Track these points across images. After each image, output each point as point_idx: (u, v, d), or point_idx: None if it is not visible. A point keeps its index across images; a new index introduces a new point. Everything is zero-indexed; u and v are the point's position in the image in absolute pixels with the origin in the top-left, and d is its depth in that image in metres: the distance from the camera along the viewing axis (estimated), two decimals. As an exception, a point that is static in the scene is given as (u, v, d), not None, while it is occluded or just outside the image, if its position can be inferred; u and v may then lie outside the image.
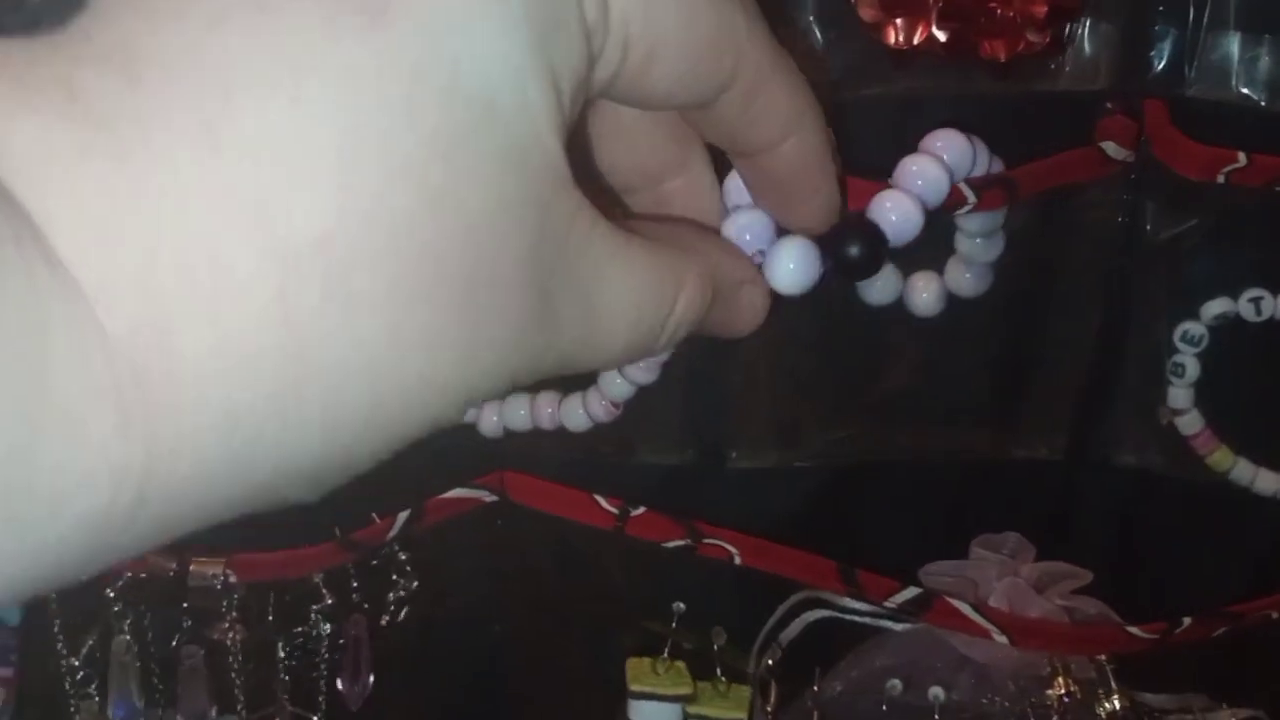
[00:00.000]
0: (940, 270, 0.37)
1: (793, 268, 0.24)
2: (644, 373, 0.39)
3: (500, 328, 0.17)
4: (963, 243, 0.37)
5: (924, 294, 0.37)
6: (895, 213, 0.26)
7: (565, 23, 0.17)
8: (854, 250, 0.26)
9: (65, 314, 0.14)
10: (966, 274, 0.37)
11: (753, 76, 0.20)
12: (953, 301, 0.38)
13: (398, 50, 0.15)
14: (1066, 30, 0.35)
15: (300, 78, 0.15)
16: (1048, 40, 0.34)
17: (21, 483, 0.13)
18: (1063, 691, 0.39)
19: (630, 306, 0.20)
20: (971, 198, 0.33)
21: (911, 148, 0.34)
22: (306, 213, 0.15)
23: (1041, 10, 0.33)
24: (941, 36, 0.33)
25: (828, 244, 0.25)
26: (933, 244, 0.37)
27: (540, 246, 0.17)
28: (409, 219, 0.16)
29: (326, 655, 0.42)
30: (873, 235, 0.26)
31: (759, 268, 0.24)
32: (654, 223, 0.23)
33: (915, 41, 0.33)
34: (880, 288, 0.37)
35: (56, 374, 0.14)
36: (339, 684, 0.42)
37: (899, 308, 0.38)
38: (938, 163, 0.27)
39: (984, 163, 0.33)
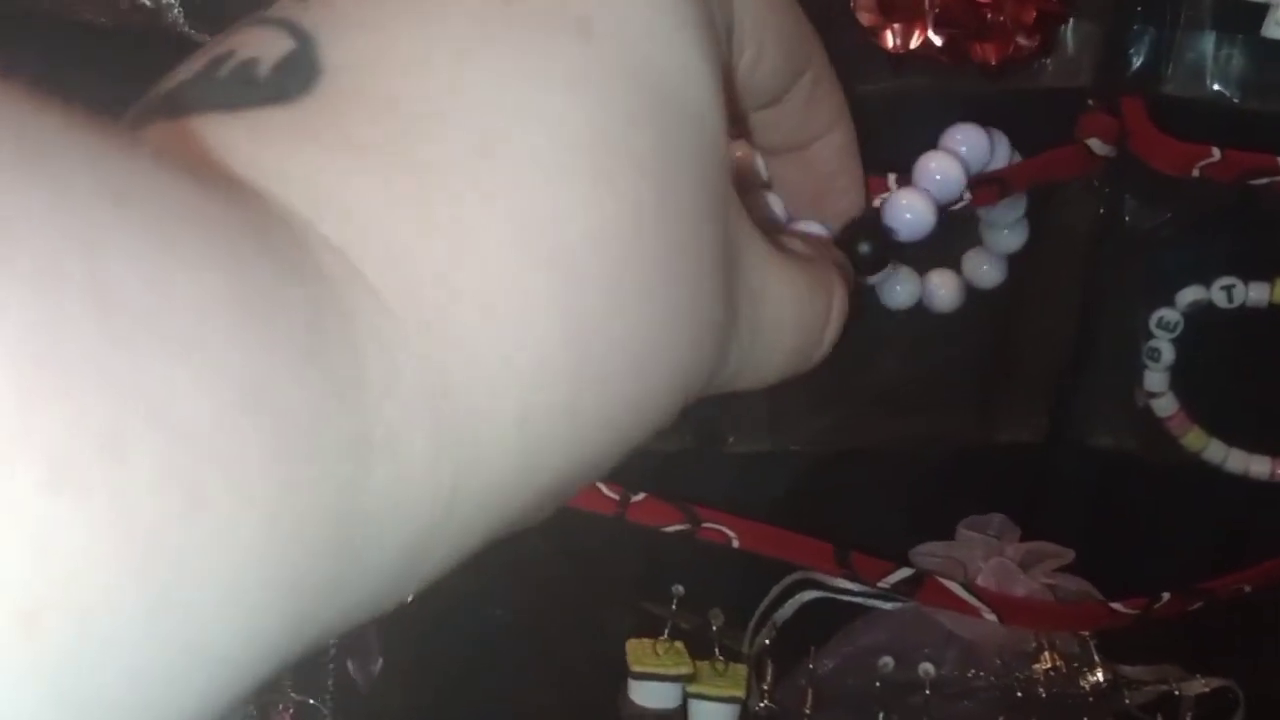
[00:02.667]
0: (956, 266, 0.39)
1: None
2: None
3: (707, 329, 0.17)
4: (987, 234, 0.38)
5: (941, 290, 0.38)
6: (909, 211, 0.28)
7: (713, 24, 0.18)
8: (864, 248, 0.27)
9: (378, 332, 0.14)
10: (984, 266, 0.38)
11: (819, 64, 0.21)
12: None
13: (612, 56, 0.16)
14: (1053, 34, 0.36)
15: (542, 94, 0.16)
16: (1036, 44, 0.35)
17: (355, 511, 0.13)
18: (1049, 666, 0.41)
19: (792, 317, 0.20)
20: (965, 195, 0.35)
21: (906, 144, 0.36)
22: (576, 216, 0.16)
23: (1030, 16, 0.35)
24: (937, 41, 0.34)
25: (840, 239, 0.26)
26: (946, 239, 0.39)
27: (725, 246, 0.18)
28: (653, 214, 0.16)
29: (334, 641, 0.43)
30: (882, 233, 0.28)
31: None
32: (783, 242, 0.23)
33: (912, 45, 0.34)
34: (900, 291, 0.38)
35: (375, 392, 0.13)
36: (349, 667, 0.43)
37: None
38: (956, 161, 0.28)
39: (1004, 155, 0.34)
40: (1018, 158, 0.35)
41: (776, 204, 0.25)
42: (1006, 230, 0.38)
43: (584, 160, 0.16)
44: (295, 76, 0.16)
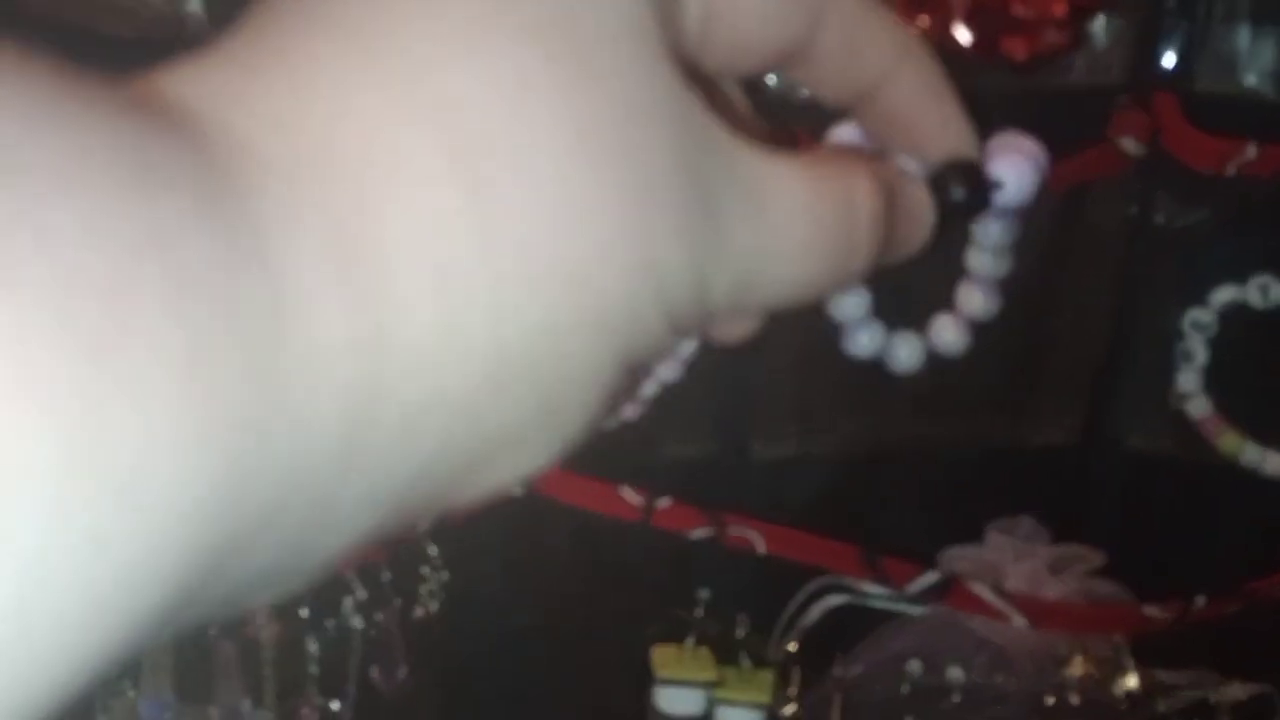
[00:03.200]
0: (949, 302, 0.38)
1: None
2: (669, 369, 0.40)
3: (671, 240, 0.17)
4: (976, 258, 0.38)
5: (946, 335, 0.38)
6: (1014, 170, 0.27)
7: None
8: (958, 193, 0.26)
9: (278, 197, 0.14)
10: (978, 295, 0.38)
11: (847, 6, 0.20)
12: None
13: None
14: (1083, 29, 0.36)
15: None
16: (1066, 39, 0.35)
17: (276, 371, 0.14)
18: (1081, 672, 0.41)
19: (804, 213, 0.19)
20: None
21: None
22: (477, 100, 0.15)
23: (1061, 9, 0.34)
24: (965, 36, 0.33)
25: (932, 180, 0.26)
26: (933, 288, 0.39)
27: (685, 151, 0.17)
28: (565, 93, 0.16)
29: (358, 647, 0.43)
30: (978, 178, 0.27)
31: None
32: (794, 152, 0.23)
33: (940, 41, 0.33)
34: (904, 354, 0.38)
35: (279, 251, 0.14)
36: (372, 674, 0.43)
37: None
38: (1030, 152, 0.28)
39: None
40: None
41: (851, 134, 0.24)
42: (996, 256, 0.37)
43: (478, 45, 0.16)
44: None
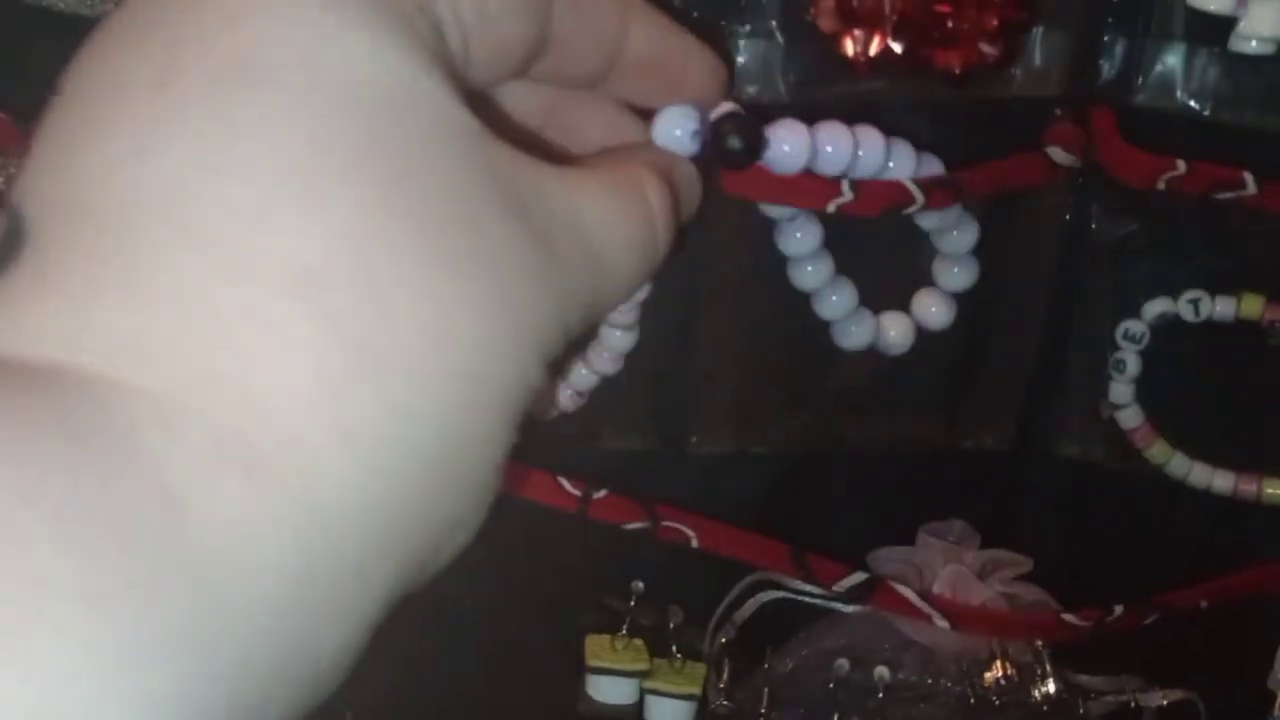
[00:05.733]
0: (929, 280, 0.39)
1: (680, 129, 0.25)
2: (609, 363, 0.40)
3: (512, 271, 0.18)
4: (938, 239, 0.39)
5: (891, 332, 0.39)
6: (786, 141, 0.29)
7: (405, 3, 0.18)
8: (734, 142, 0.28)
9: (142, 410, 0.15)
10: (954, 268, 0.39)
11: None
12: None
13: (294, 88, 0.16)
14: (1018, 42, 0.36)
15: (232, 146, 0.16)
16: (1000, 51, 0.35)
17: (187, 551, 0.14)
18: (1000, 674, 0.41)
19: (615, 219, 0.20)
20: (919, 196, 0.35)
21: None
22: (304, 243, 0.16)
23: (993, 22, 0.35)
24: (897, 48, 0.34)
25: (712, 133, 0.27)
26: (902, 281, 0.39)
27: (504, 200, 0.18)
28: (386, 207, 0.16)
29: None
30: (750, 125, 0.28)
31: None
32: (580, 162, 0.24)
33: (872, 52, 0.34)
34: (855, 332, 0.39)
35: (157, 451, 0.14)
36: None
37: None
38: (846, 134, 0.30)
39: (906, 165, 0.34)
40: (934, 164, 0.35)
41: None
42: (955, 231, 0.38)
43: (295, 189, 0.16)
44: (10, 239, 0.16)
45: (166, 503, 0.14)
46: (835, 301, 0.39)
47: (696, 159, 0.26)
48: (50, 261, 0.16)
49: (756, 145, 0.29)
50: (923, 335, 0.41)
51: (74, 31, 0.37)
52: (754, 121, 0.29)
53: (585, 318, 0.20)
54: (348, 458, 0.16)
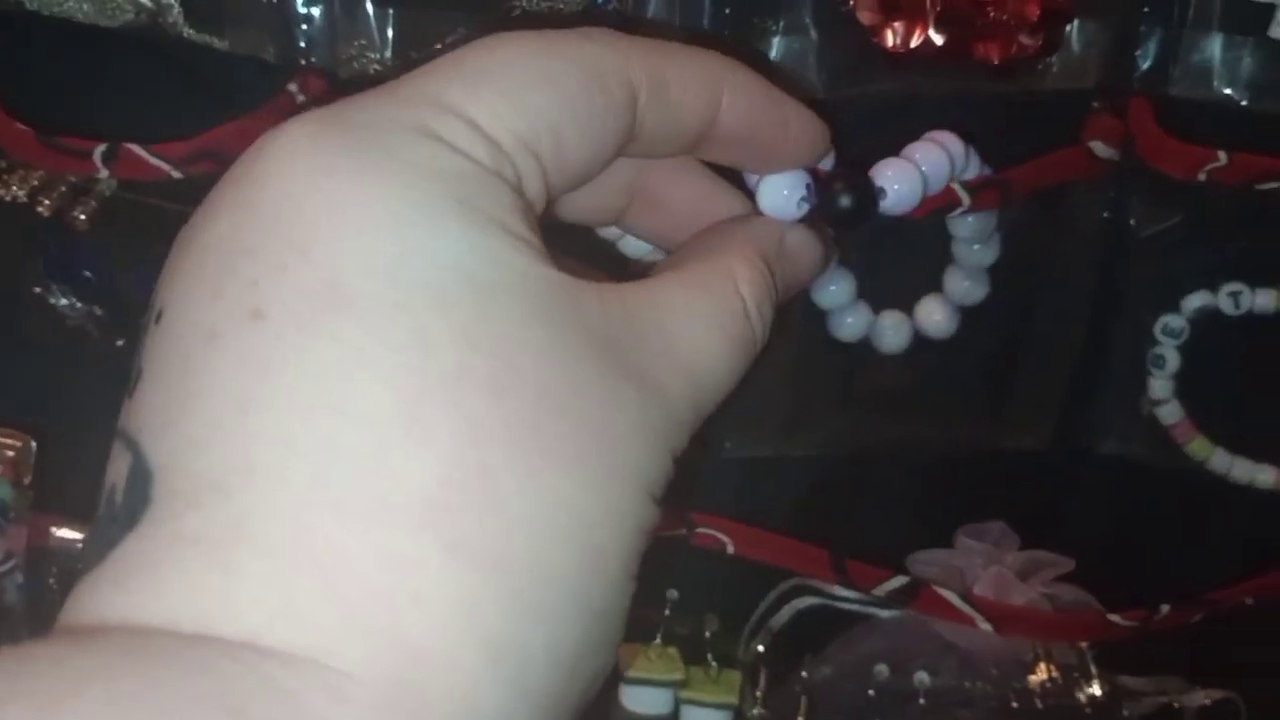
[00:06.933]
0: (939, 287, 0.38)
1: (785, 194, 0.25)
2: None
3: (618, 425, 0.18)
4: (960, 249, 0.38)
5: (935, 316, 0.38)
6: (897, 180, 0.27)
7: (469, 178, 0.18)
8: (845, 201, 0.27)
9: (311, 681, 0.15)
10: (965, 281, 0.38)
11: (648, 75, 0.21)
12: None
13: (378, 308, 0.17)
14: (1057, 33, 0.36)
15: (343, 397, 0.16)
16: (1040, 43, 0.35)
17: None
18: (1044, 677, 0.41)
19: (708, 328, 0.20)
20: (966, 199, 0.34)
21: (905, 145, 0.35)
22: (420, 472, 0.16)
23: (1034, 13, 0.34)
24: (938, 40, 0.33)
25: (821, 192, 0.26)
26: (925, 267, 0.39)
27: (593, 340, 0.18)
28: (490, 396, 0.16)
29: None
30: (863, 184, 0.27)
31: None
32: (677, 255, 0.24)
33: (913, 44, 0.33)
34: (891, 334, 0.39)
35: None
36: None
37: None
38: (941, 149, 0.28)
39: (975, 167, 0.34)
40: (984, 168, 0.34)
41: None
42: (978, 246, 0.38)
43: (402, 419, 0.16)
44: (137, 492, 0.17)
45: None
46: (834, 291, 0.39)
47: (809, 220, 0.25)
48: (177, 527, 0.16)
49: (869, 200, 0.28)
50: (959, 336, 0.41)
51: (92, 42, 0.37)
52: (863, 178, 0.28)
53: (690, 433, 0.19)
54: (500, 672, 0.16)
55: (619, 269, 0.27)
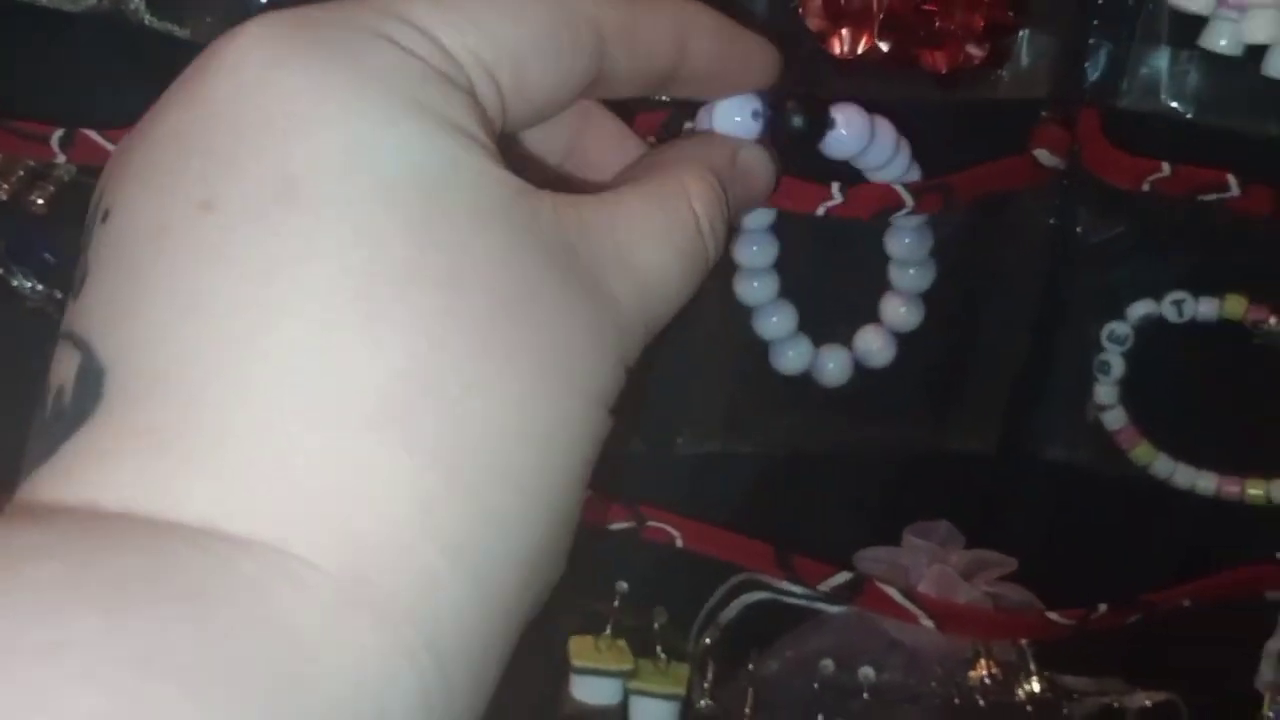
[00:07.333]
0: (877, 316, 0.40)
1: (738, 113, 0.26)
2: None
3: (572, 329, 0.18)
4: (895, 273, 0.39)
5: (874, 345, 0.40)
6: (848, 117, 0.29)
7: (426, 80, 0.18)
8: (797, 120, 0.28)
9: (273, 569, 0.15)
10: (902, 308, 0.39)
11: (618, 20, 0.21)
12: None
13: (332, 202, 0.17)
14: (1005, 43, 0.36)
15: (282, 269, 0.16)
16: (987, 53, 0.35)
17: (311, 674, 0.15)
18: (985, 674, 0.41)
19: (661, 240, 0.20)
20: (909, 199, 0.35)
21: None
22: (370, 368, 0.16)
23: (979, 24, 0.35)
24: (884, 47, 0.34)
25: (774, 113, 0.27)
26: (863, 295, 0.40)
27: (547, 246, 0.18)
28: (439, 293, 0.16)
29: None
30: (814, 104, 0.28)
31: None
32: (630, 170, 0.24)
33: (859, 51, 0.34)
34: (832, 368, 0.40)
35: (295, 615, 0.15)
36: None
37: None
38: (888, 122, 0.30)
39: (913, 170, 0.34)
40: (915, 171, 0.35)
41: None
42: (913, 270, 0.38)
43: (354, 315, 0.16)
44: (88, 389, 0.16)
45: (297, 651, 0.14)
46: (775, 323, 0.40)
47: (761, 140, 0.26)
48: (131, 419, 0.16)
49: (821, 124, 0.29)
50: (907, 340, 0.41)
51: (53, 26, 0.37)
52: (815, 100, 0.29)
53: (642, 345, 0.20)
54: (459, 570, 0.16)
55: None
